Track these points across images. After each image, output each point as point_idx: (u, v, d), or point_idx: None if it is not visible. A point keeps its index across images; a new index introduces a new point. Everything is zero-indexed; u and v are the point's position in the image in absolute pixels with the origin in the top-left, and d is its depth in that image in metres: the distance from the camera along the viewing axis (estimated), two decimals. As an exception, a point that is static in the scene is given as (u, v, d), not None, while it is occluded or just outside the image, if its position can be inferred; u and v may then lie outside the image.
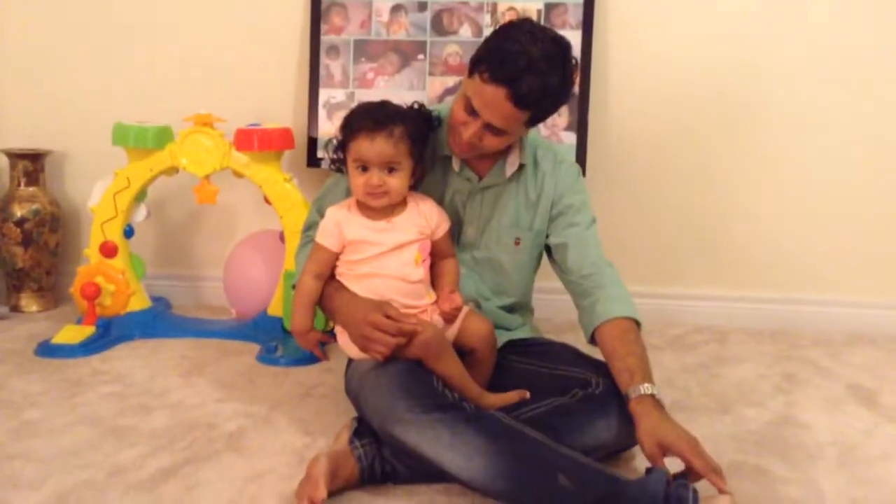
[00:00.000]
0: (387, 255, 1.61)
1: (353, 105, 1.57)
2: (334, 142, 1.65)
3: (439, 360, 1.56)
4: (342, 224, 1.62)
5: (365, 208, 1.63)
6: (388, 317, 1.54)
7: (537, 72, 1.50)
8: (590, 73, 2.50)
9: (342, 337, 1.65)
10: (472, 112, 1.58)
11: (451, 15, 2.52)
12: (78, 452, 1.63)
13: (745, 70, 2.54)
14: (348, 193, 1.72)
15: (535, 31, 1.54)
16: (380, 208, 1.62)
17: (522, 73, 1.49)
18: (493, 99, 1.53)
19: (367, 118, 1.56)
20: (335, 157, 1.65)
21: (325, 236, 1.63)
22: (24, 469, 1.55)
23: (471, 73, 1.57)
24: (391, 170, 1.58)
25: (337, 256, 1.64)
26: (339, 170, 1.67)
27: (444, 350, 1.58)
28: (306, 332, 1.65)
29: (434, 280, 1.68)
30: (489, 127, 1.58)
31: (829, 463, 1.67)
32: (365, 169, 1.57)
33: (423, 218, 1.65)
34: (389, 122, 1.56)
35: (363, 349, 1.58)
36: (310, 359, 2.17)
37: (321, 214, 1.71)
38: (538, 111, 1.58)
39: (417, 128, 1.60)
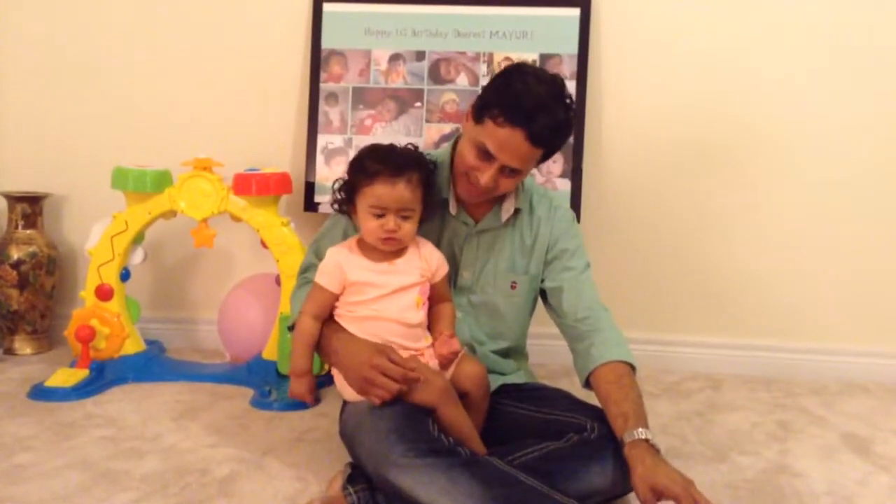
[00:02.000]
0: (388, 297, 1.62)
1: (352, 151, 1.59)
2: (340, 182, 1.66)
3: (452, 408, 1.57)
4: (343, 265, 1.63)
5: (367, 250, 1.64)
6: (391, 361, 1.55)
7: (548, 110, 1.55)
8: (584, 122, 2.54)
9: (339, 379, 1.65)
10: (486, 157, 1.60)
11: (449, 64, 2.57)
12: (69, 496, 1.61)
13: (738, 117, 2.59)
14: (345, 235, 1.74)
15: (536, 72, 1.60)
16: (387, 251, 1.63)
17: (536, 112, 1.54)
18: (509, 141, 1.56)
19: (388, 164, 1.57)
20: (340, 198, 1.66)
21: (326, 277, 1.64)
22: (14, 513, 1.54)
23: (479, 120, 1.60)
24: (405, 216, 1.59)
25: (336, 298, 1.65)
26: (342, 210, 1.68)
27: (455, 398, 1.58)
28: (305, 375, 1.65)
29: (430, 323, 1.69)
30: (505, 169, 1.61)
31: (824, 512, 1.67)
32: (381, 214, 1.58)
33: (424, 261, 1.66)
34: (408, 168, 1.58)
35: (362, 392, 1.57)
36: (304, 403, 2.16)
37: (318, 256, 1.72)
38: (551, 147, 1.63)
39: (429, 174, 1.63)
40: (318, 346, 1.67)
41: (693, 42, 2.58)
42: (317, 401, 2.20)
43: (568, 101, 1.61)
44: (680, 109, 2.60)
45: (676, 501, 1.38)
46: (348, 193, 1.63)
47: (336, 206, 1.68)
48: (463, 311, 1.79)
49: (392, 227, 1.58)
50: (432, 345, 1.65)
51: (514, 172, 1.63)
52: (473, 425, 1.62)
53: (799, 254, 2.63)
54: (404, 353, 1.60)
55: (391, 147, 1.63)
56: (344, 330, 1.64)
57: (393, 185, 1.56)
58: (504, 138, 1.56)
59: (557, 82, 1.60)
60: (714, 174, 2.62)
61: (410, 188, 1.58)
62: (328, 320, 1.67)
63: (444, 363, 1.63)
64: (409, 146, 1.66)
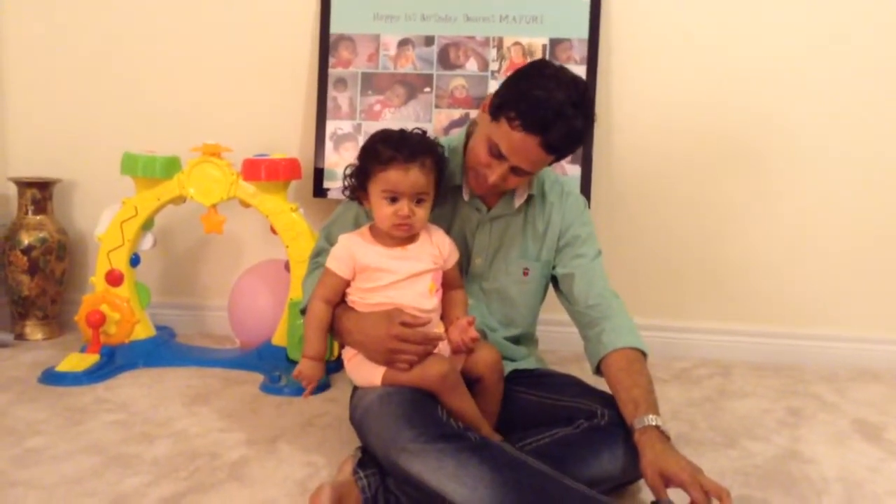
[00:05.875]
0: (402, 283, 1.60)
1: (360, 136, 1.57)
2: (351, 168, 1.64)
3: (453, 395, 1.56)
4: (356, 251, 1.62)
5: (379, 236, 1.63)
6: (404, 324, 1.55)
7: (565, 118, 1.53)
8: (594, 107, 2.51)
9: (349, 364, 1.65)
10: (497, 155, 1.59)
11: (458, 49, 2.55)
12: (81, 480, 1.62)
13: (750, 105, 2.56)
14: (357, 222, 1.73)
15: (557, 75, 1.57)
16: (399, 238, 1.62)
17: (553, 121, 1.52)
18: (523, 146, 1.55)
19: (401, 149, 1.55)
20: (352, 184, 1.65)
21: (337, 262, 1.63)
22: (26, 496, 1.55)
23: (495, 117, 1.58)
24: (419, 200, 1.58)
25: (347, 284, 1.64)
26: (353, 197, 1.68)
27: (458, 384, 1.58)
28: (319, 360, 1.63)
29: (444, 311, 1.68)
30: (515, 169, 1.60)
31: (835, 499, 1.65)
32: (394, 199, 1.57)
33: (436, 248, 1.65)
34: (421, 153, 1.56)
35: (389, 363, 1.57)
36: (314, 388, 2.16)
37: (329, 242, 1.72)
38: (565, 153, 1.64)
39: (441, 159, 1.62)
40: (331, 329, 1.67)
41: (704, 28, 2.55)
42: (324, 387, 2.21)
43: (588, 105, 1.60)
44: (690, 96, 2.58)
45: (684, 489, 1.38)
46: (360, 180, 1.62)
47: (348, 192, 1.67)
48: (475, 297, 1.78)
49: (406, 213, 1.56)
50: (446, 331, 1.64)
51: (525, 173, 1.63)
52: (488, 411, 1.62)
53: (810, 241, 2.61)
54: (415, 313, 1.59)
55: (403, 132, 1.61)
56: (352, 309, 1.64)
57: (407, 171, 1.55)
58: (517, 142, 1.55)
59: (580, 86, 1.58)
60: (724, 161, 2.60)
61: (424, 173, 1.56)
62: (338, 302, 1.66)
63: (459, 349, 1.62)
64: (418, 131, 1.65)
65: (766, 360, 2.62)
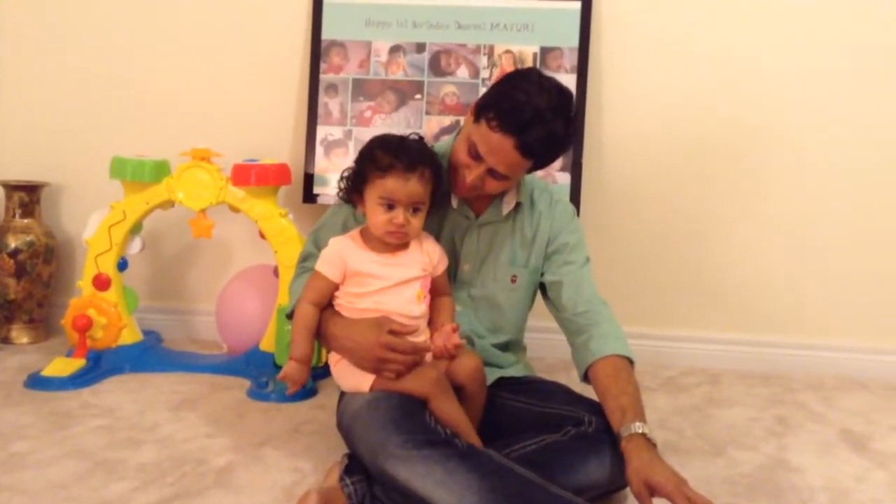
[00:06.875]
0: (390, 289, 1.60)
1: (351, 143, 1.55)
2: (349, 171, 1.64)
3: (442, 401, 1.56)
4: (346, 255, 1.61)
5: (370, 241, 1.63)
6: (393, 332, 1.55)
7: (544, 122, 1.53)
8: (584, 116, 2.53)
9: (336, 369, 1.64)
10: (475, 156, 1.60)
11: (449, 56, 2.56)
12: (66, 485, 1.61)
13: (739, 112, 2.58)
14: (345, 226, 1.73)
15: (542, 82, 1.58)
16: (391, 244, 1.61)
17: (530, 123, 1.53)
18: (499, 147, 1.55)
19: (401, 158, 1.55)
20: (347, 186, 1.64)
21: (327, 266, 1.62)
22: (10, 502, 1.54)
23: (476, 118, 1.59)
24: (415, 210, 1.58)
25: (336, 287, 1.64)
26: (348, 200, 1.67)
27: (447, 390, 1.58)
28: (306, 362, 1.62)
29: (430, 317, 1.67)
30: (492, 172, 1.60)
31: (821, 507, 1.67)
32: (390, 207, 1.57)
33: (426, 255, 1.65)
34: (421, 163, 1.56)
35: (376, 371, 1.57)
36: (300, 395, 2.15)
37: (317, 246, 1.71)
38: (542, 159, 1.63)
39: (439, 170, 1.62)
40: (317, 333, 1.66)
41: (695, 36, 2.57)
42: (311, 393, 2.20)
43: (571, 115, 1.60)
44: (680, 104, 2.59)
45: (669, 499, 1.38)
46: (356, 183, 1.62)
47: (342, 194, 1.67)
48: (462, 304, 1.78)
49: (401, 221, 1.56)
50: (431, 338, 1.63)
51: (502, 177, 1.62)
52: (470, 418, 1.61)
53: (798, 250, 2.62)
54: (403, 322, 1.59)
55: (403, 140, 1.61)
56: (339, 314, 1.63)
57: (406, 180, 1.55)
58: (494, 143, 1.56)
59: (563, 95, 1.59)
60: (714, 169, 2.61)
61: (422, 183, 1.56)
62: (324, 307, 1.66)
63: (441, 355, 1.61)
64: (414, 135, 1.64)
65: (754, 369, 2.63)
